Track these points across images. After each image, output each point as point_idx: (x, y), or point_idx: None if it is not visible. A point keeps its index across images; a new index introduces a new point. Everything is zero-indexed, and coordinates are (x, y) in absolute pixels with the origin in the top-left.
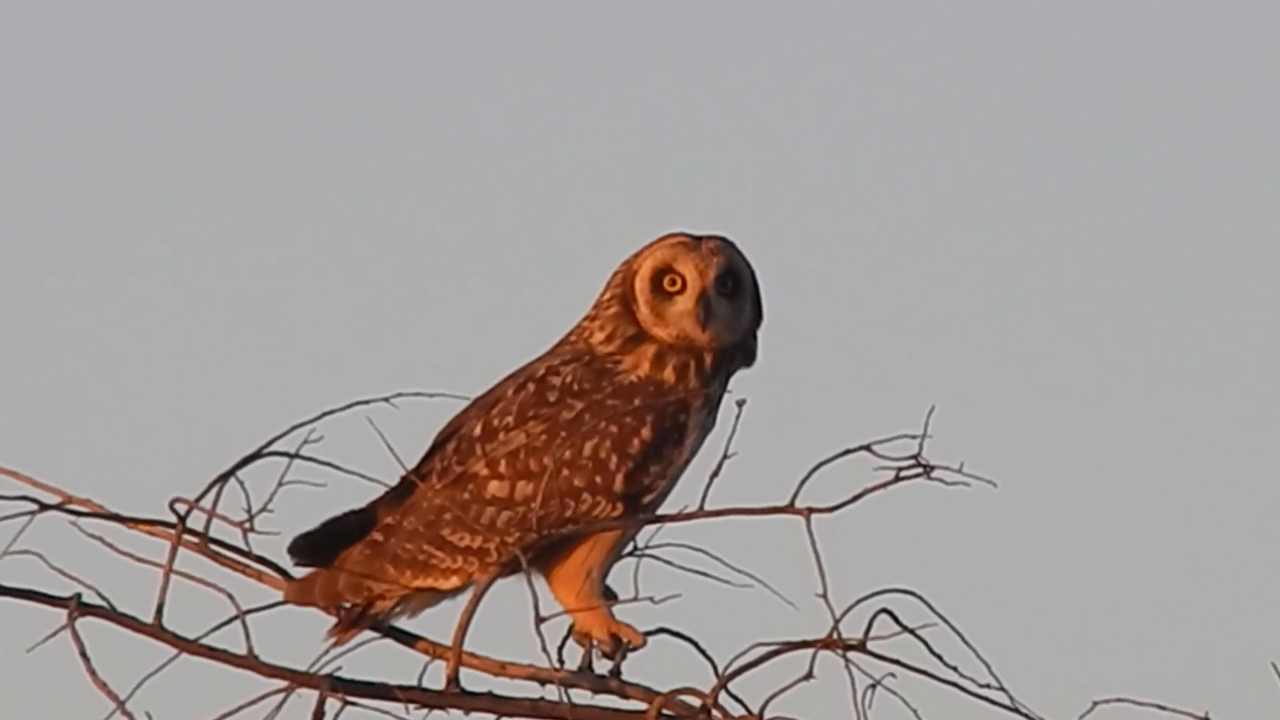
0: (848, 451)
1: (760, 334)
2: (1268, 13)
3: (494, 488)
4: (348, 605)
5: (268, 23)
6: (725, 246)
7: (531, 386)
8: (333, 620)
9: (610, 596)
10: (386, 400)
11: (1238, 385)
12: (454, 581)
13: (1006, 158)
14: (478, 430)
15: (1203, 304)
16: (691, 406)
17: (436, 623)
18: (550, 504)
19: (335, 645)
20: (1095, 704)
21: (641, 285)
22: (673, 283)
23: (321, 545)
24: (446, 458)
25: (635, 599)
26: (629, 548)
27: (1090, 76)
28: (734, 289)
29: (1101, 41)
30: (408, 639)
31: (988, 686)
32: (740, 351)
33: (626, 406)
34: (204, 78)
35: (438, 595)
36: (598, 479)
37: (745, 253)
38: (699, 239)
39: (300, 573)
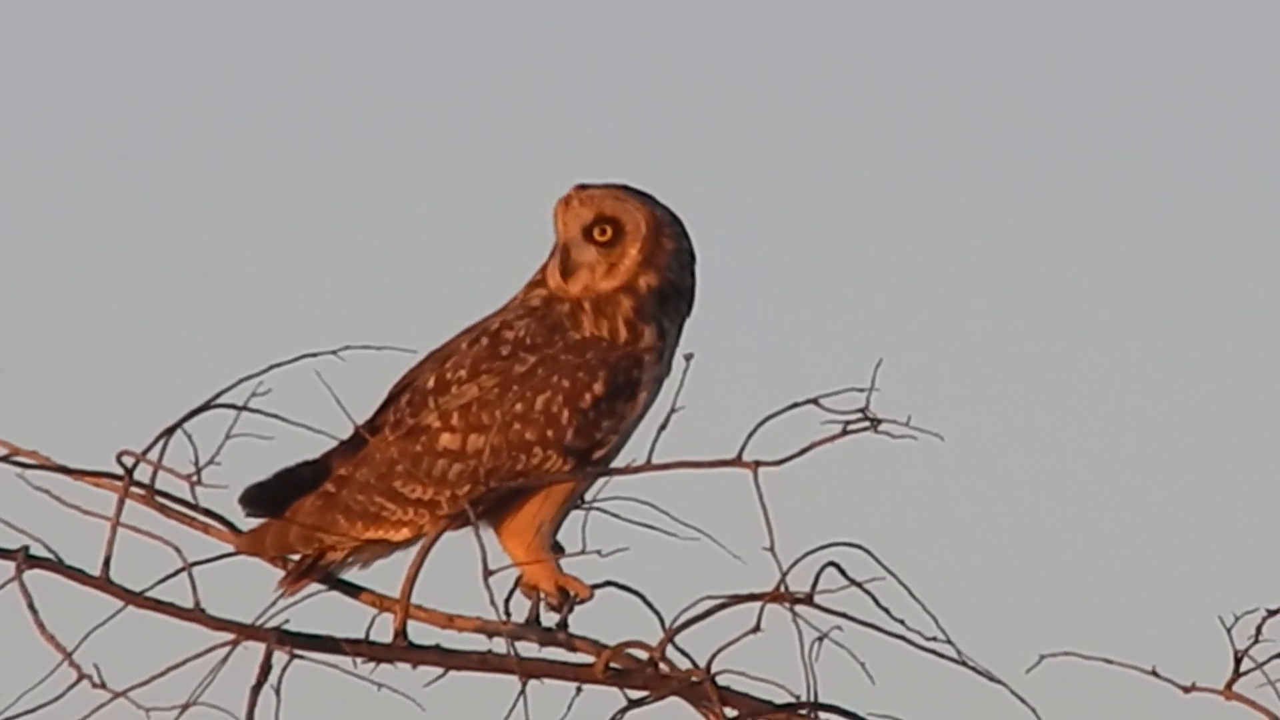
0: (795, 405)
1: (694, 278)
2: (1268, 13)
3: (446, 440)
4: (298, 556)
5: None
6: (603, 194)
7: (485, 340)
8: (281, 573)
9: (558, 550)
10: (334, 353)
11: (1179, 330)
12: (405, 533)
13: (957, 111)
14: (431, 383)
15: (1143, 255)
16: (645, 361)
17: (384, 575)
18: (501, 457)
19: (285, 596)
20: (1042, 658)
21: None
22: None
23: (273, 496)
24: (399, 410)
25: (583, 552)
26: (578, 501)
27: (1061, 47)
28: (614, 235)
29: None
30: (353, 590)
31: (934, 640)
32: (678, 296)
33: (579, 360)
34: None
35: (389, 547)
36: (549, 433)
37: (651, 198)
38: (575, 188)
39: (249, 525)
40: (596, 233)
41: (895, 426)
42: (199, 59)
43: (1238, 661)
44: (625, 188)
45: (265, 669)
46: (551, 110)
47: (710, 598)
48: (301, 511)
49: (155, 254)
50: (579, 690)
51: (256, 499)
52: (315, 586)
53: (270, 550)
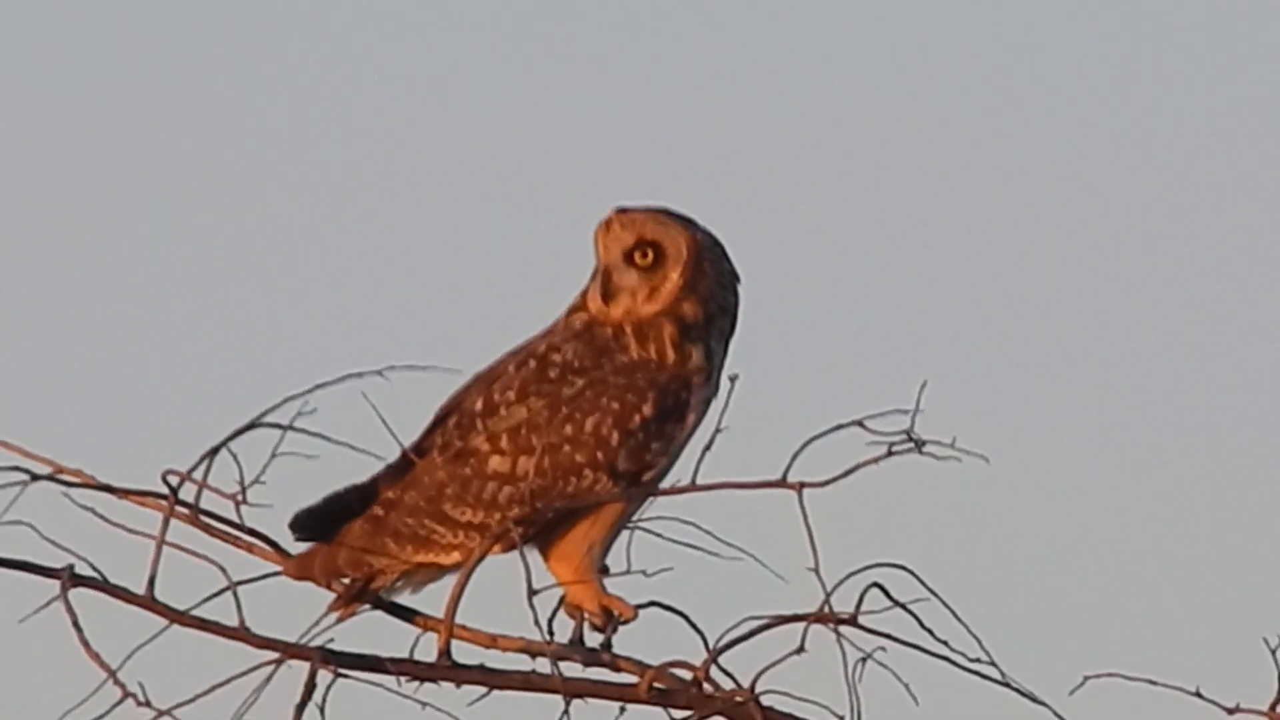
0: (840, 426)
1: (737, 297)
2: (1268, 13)
3: (495, 463)
4: (347, 580)
5: None
6: (644, 217)
7: (533, 363)
8: (331, 595)
9: (602, 570)
10: (379, 373)
11: (1232, 363)
12: (455, 557)
13: (1003, 136)
14: (479, 406)
15: (1195, 286)
16: (693, 383)
17: (429, 596)
18: (550, 480)
19: (338, 621)
20: (1086, 679)
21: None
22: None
23: (322, 520)
24: (447, 433)
25: (627, 572)
26: (626, 523)
27: (1060, 43)
28: (655, 259)
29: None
30: (405, 614)
31: (978, 661)
32: (722, 316)
33: (628, 382)
34: (181, 61)
35: (439, 570)
36: (599, 455)
37: (691, 221)
38: (614, 211)
39: (296, 547)
40: (638, 256)
41: (940, 448)
42: (251, 82)
43: None
44: (666, 211)
45: (310, 688)
46: (592, 131)
47: (754, 618)
48: (350, 535)
49: (203, 273)
50: (623, 710)
51: (306, 524)
52: (365, 609)
53: (319, 575)
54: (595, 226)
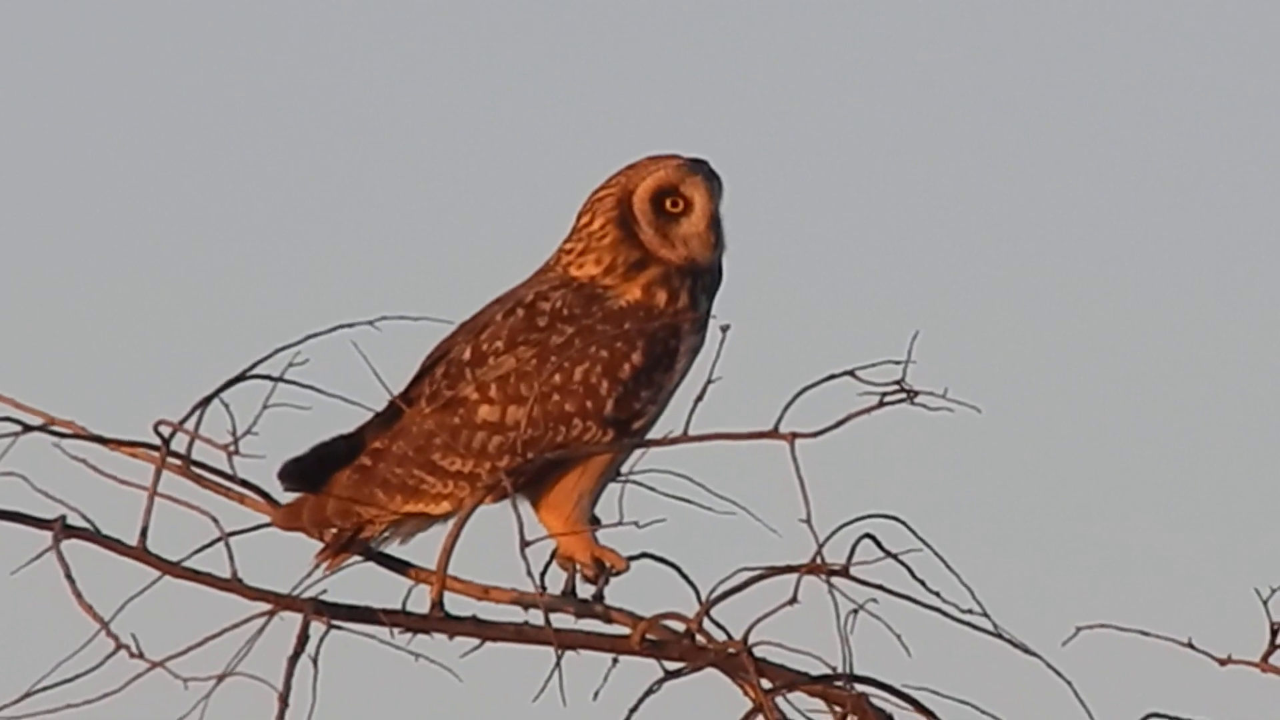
0: (831, 377)
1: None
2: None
3: (484, 412)
4: (336, 530)
5: None
6: (681, 163)
7: (521, 312)
8: (320, 544)
9: (594, 522)
10: (370, 324)
11: (1217, 307)
12: (444, 507)
13: (993, 95)
14: (467, 355)
15: (1185, 239)
16: (682, 330)
17: (421, 548)
18: (540, 429)
19: (327, 571)
20: (1079, 630)
21: (642, 207)
22: (675, 204)
23: (311, 470)
24: (435, 382)
25: (619, 524)
26: (616, 473)
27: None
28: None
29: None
30: (398, 565)
31: (970, 612)
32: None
33: (617, 331)
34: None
35: (428, 520)
36: (588, 404)
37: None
38: (698, 160)
39: (286, 497)
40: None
41: (932, 398)
42: (238, 47)
43: (1274, 634)
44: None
45: (303, 639)
46: (579, 86)
47: (747, 569)
48: (338, 485)
49: (191, 225)
50: (615, 661)
51: (294, 474)
52: (356, 559)
53: (307, 524)
54: (676, 167)
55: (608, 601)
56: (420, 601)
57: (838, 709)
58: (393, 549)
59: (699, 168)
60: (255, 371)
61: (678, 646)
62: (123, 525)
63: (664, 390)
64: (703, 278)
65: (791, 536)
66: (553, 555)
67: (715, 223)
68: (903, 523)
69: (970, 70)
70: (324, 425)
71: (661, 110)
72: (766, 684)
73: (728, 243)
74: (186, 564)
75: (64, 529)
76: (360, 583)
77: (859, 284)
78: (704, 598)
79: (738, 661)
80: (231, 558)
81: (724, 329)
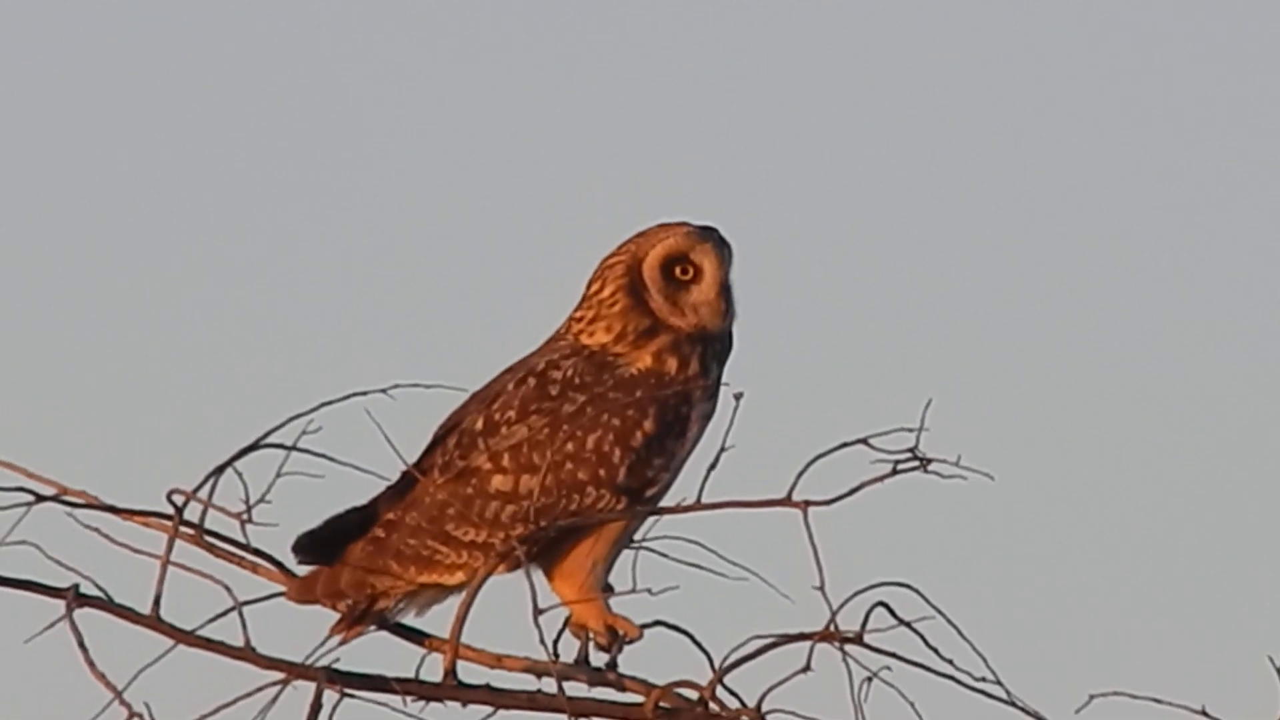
0: (845, 445)
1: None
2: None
3: (497, 482)
4: (351, 602)
5: None
6: (690, 230)
7: (532, 380)
8: (336, 615)
9: (607, 589)
10: (384, 391)
11: (1238, 381)
12: (459, 577)
13: (1004, 152)
14: (479, 424)
15: (1201, 300)
16: (693, 397)
17: (434, 617)
18: (554, 497)
19: (342, 643)
20: (1092, 698)
21: (652, 274)
22: (684, 271)
23: (325, 542)
24: (448, 452)
25: (633, 591)
26: (629, 541)
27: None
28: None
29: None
30: (411, 634)
31: (984, 680)
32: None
33: (629, 399)
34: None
35: (443, 591)
36: (601, 472)
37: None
38: (707, 228)
39: (300, 567)
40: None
41: (945, 466)
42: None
43: None
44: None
45: (316, 708)
46: (588, 154)
47: (760, 637)
48: (352, 557)
49: (204, 293)
50: None
51: (308, 546)
52: (369, 630)
53: (322, 596)
54: (685, 234)
55: (621, 669)
56: (433, 669)
57: None
58: (408, 620)
59: (708, 235)
60: (268, 440)
61: (691, 714)
62: (136, 594)
63: (676, 457)
64: (713, 345)
65: (805, 604)
66: (566, 623)
67: (725, 290)
68: (916, 590)
69: (976, 135)
70: (337, 493)
71: (671, 176)
72: None
73: (738, 310)
74: (200, 633)
75: (77, 597)
76: (373, 651)
77: (872, 351)
78: (717, 665)
79: None
80: (245, 627)
81: (737, 396)
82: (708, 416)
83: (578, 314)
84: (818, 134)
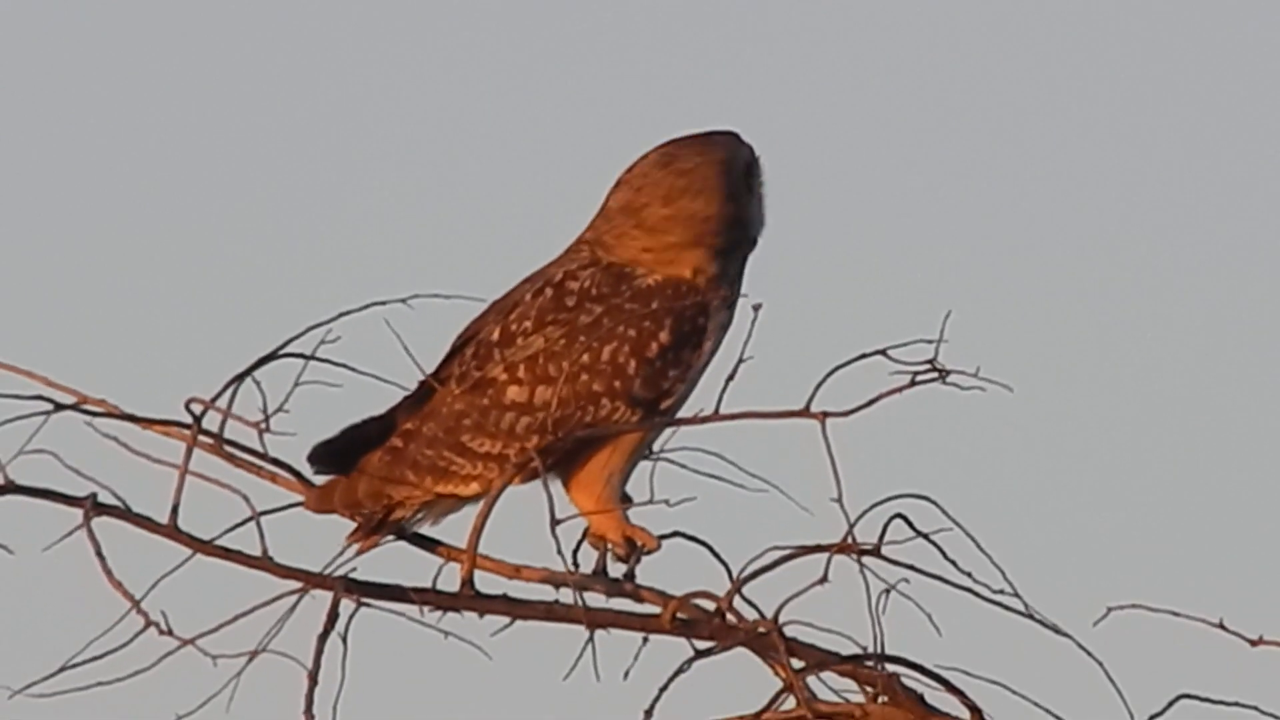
0: (863, 356)
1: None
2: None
3: (513, 393)
4: (367, 511)
5: None
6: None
7: (549, 291)
8: (352, 525)
9: (625, 501)
10: (403, 301)
11: (1266, 295)
12: (474, 488)
13: (1022, 67)
14: (496, 335)
15: (1229, 215)
16: (710, 307)
17: (452, 527)
18: (569, 409)
19: (358, 553)
20: (1109, 610)
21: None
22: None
23: (341, 452)
24: (465, 363)
25: (650, 502)
26: (646, 452)
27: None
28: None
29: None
30: (428, 544)
31: (1001, 592)
32: (750, 241)
33: (645, 310)
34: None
35: (459, 501)
36: (616, 383)
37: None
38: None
39: (317, 477)
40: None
41: (964, 377)
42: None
43: None
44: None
45: (332, 617)
46: (607, 68)
47: (777, 548)
48: (369, 467)
49: (227, 205)
50: (646, 640)
51: (324, 456)
52: (385, 541)
53: (339, 506)
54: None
55: (638, 580)
56: (450, 580)
57: (868, 689)
58: (424, 530)
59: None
60: (287, 349)
61: (708, 625)
62: (154, 503)
63: (692, 369)
64: (740, 255)
65: (823, 516)
66: (584, 534)
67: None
68: (934, 502)
69: (1008, 58)
70: (355, 403)
71: (689, 81)
72: (797, 663)
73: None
74: (217, 542)
75: (95, 506)
76: (390, 561)
77: (891, 263)
78: (735, 577)
79: (768, 641)
80: (262, 536)
81: (755, 308)
82: (725, 326)
83: (607, 226)
84: (841, 47)
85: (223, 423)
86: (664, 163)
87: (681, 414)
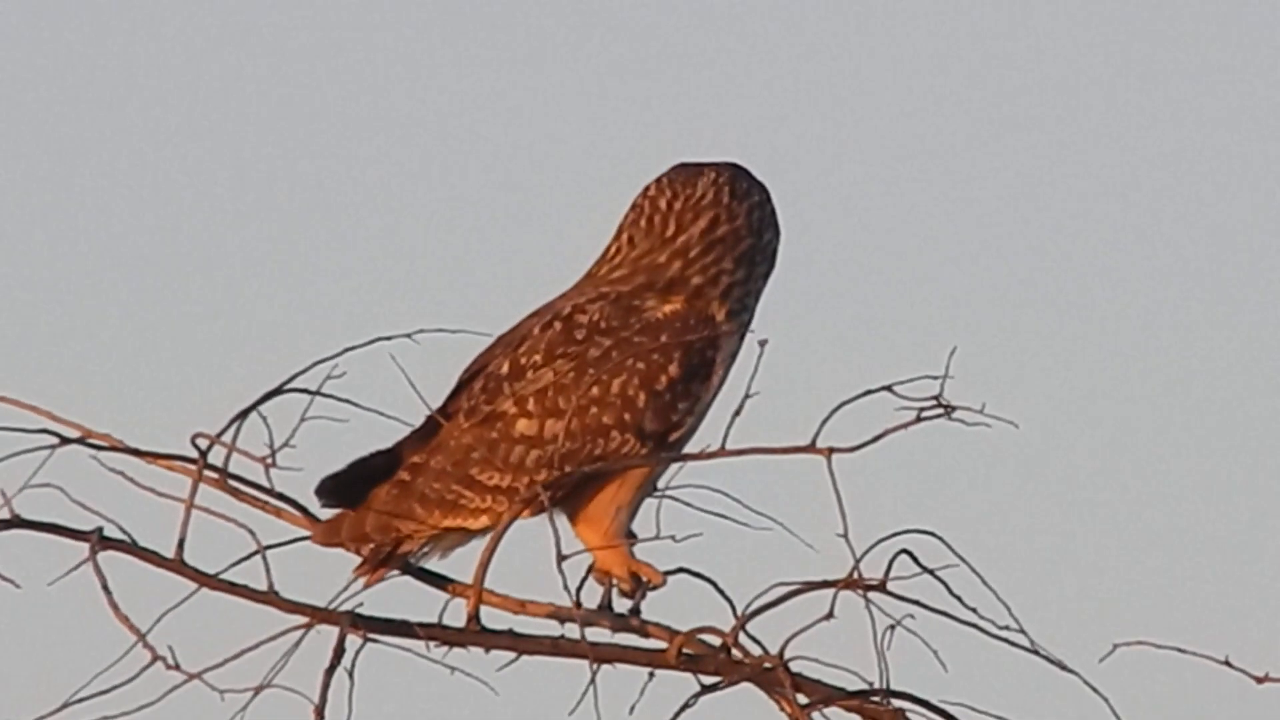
0: (869, 392)
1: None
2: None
3: (522, 426)
4: (374, 545)
5: None
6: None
7: (558, 324)
8: (358, 559)
9: (631, 536)
10: (409, 336)
11: (1272, 322)
12: (483, 521)
13: (1034, 92)
14: (505, 368)
15: (1234, 250)
16: (720, 340)
17: (458, 562)
18: (578, 442)
19: (365, 586)
20: (1115, 647)
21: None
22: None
23: (349, 486)
24: (473, 396)
25: (656, 538)
26: (653, 487)
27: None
28: None
29: None
30: (434, 579)
31: (1007, 628)
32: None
33: (654, 343)
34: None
35: (467, 535)
36: (626, 416)
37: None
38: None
39: (323, 512)
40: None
41: (969, 414)
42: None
43: None
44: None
45: (339, 652)
46: (621, 94)
47: (783, 584)
48: (377, 500)
49: (229, 236)
50: (651, 675)
51: (332, 490)
52: (391, 574)
53: (346, 540)
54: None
55: (644, 615)
56: (456, 615)
57: None
58: (431, 564)
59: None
60: (293, 385)
61: (714, 661)
62: (160, 538)
63: (701, 401)
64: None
65: (828, 551)
66: (589, 569)
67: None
68: (939, 538)
69: (1013, 92)
70: (361, 439)
71: (698, 109)
72: (803, 699)
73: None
74: (223, 577)
75: (101, 540)
76: (397, 596)
77: (898, 299)
78: (740, 612)
79: (774, 676)
80: (268, 570)
81: (762, 344)
82: (733, 356)
83: (618, 258)
84: (850, 72)
85: (228, 457)
86: (677, 188)
87: (688, 449)
